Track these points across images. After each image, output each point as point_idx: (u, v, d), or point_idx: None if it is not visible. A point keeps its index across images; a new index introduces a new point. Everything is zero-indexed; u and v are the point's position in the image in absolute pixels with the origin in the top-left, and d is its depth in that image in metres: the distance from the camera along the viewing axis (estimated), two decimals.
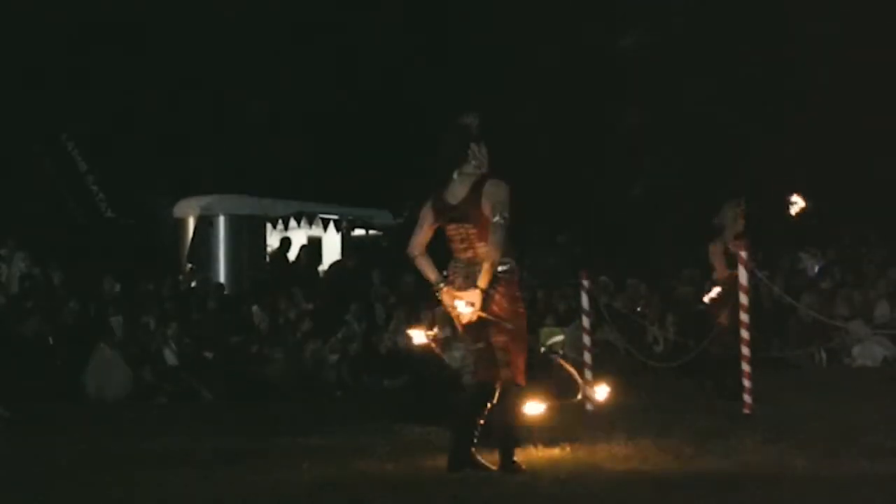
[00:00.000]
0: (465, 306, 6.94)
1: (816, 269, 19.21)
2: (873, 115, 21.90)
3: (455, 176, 7.17)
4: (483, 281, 6.93)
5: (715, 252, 11.71)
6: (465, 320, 7.05)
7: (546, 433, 8.49)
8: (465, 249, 7.14)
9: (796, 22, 24.06)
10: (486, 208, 7.01)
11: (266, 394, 13.64)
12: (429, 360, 10.46)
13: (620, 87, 25.33)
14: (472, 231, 7.09)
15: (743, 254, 10.50)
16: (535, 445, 8.05)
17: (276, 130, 24.68)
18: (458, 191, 7.14)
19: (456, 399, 8.14)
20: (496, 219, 6.96)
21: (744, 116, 24.48)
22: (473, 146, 7.15)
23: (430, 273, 7.21)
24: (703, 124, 24.30)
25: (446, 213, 7.16)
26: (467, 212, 7.08)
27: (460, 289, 7.04)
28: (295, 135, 24.71)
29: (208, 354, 14.54)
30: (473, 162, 7.14)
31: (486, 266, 6.95)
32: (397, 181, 22.62)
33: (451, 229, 7.18)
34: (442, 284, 7.11)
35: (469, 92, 22.25)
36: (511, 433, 7.25)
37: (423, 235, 7.27)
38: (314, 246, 20.91)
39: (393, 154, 23.75)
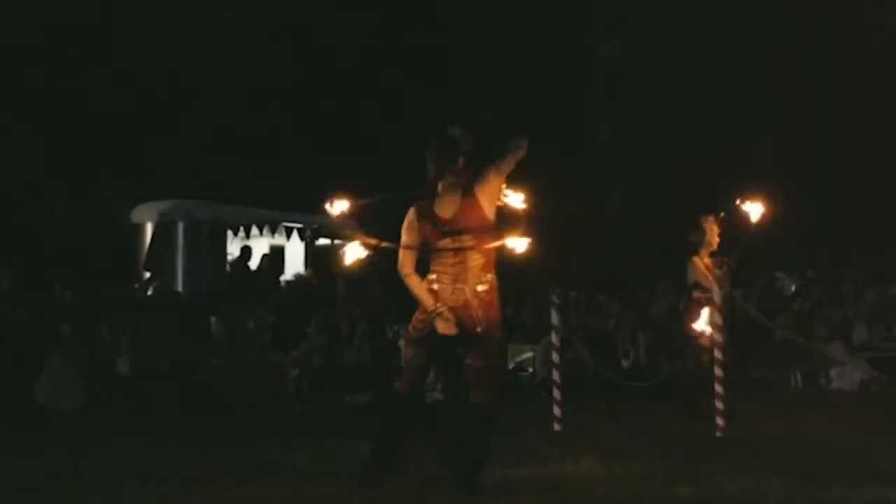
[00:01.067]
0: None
1: (793, 288, 19.33)
2: (861, 128, 22.08)
3: (439, 189, 7.18)
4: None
5: (697, 269, 11.71)
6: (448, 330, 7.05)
7: (511, 454, 8.47)
8: (456, 264, 7.12)
9: (777, 31, 24.23)
10: (489, 185, 7.10)
11: (223, 408, 13.55)
12: (395, 374, 10.41)
13: (597, 95, 25.40)
14: (469, 243, 7.08)
15: (718, 271, 10.52)
16: (500, 467, 8.03)
17: (240, 135, 24.60)
18: (448, 203, 7.13)
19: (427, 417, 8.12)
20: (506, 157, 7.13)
21: (722, 127, 24.61)
22: (461, 159, 7.16)
23: (426, 297, 7.14)
24: (680, 135, 24.40)
25: (439, 228, 7.13)
26: (465, 223, 7.07)
27: (449, 301, 7.03)
28: (259, 139, 24.65)
29: (163, 365, 14.44)
30: (458, 176, 7.15)
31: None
32: (366, 189, 22.52)
33: (444, 244, 7.14)
34: (442, 309, 7.06)
35: (440, 99, 22.27)
36: (482, 453, 7.23)
37: (413, 254, 7.23)
38: (277, 255, 20.83)
39: (361, 161, 23.71)
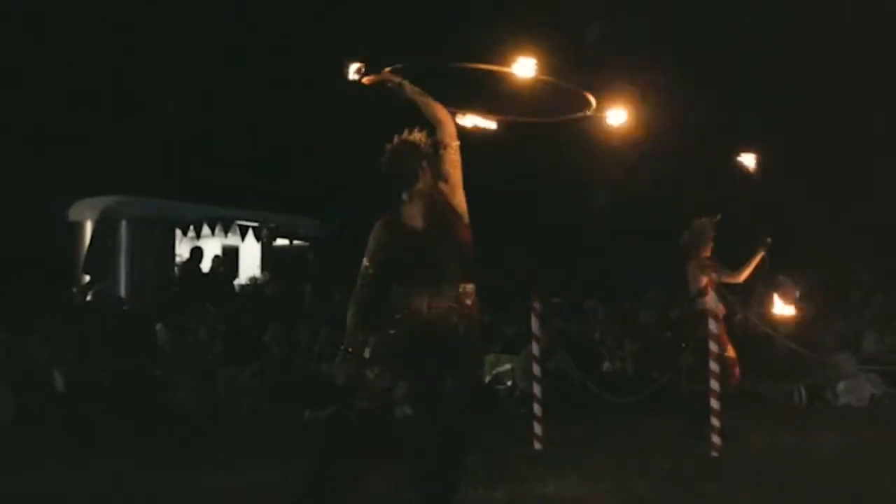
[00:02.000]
0: None
1: (797, 294, 19.35)
2: (866, 120, 22.20)
3: (405, 197, 7.18)
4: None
5: (700, 274, 11.75)
6: None
7: (488, 473, 8.47)
8: (431, 274, 7.13)
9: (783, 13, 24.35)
10: (446, 177, 7.16)
11: (170, 425, 13.51)
12: (358, 388, 10.37)
13: (578, 79, 25.40)
14: (444, 251, 7.09)
15: (713, 275, 10.56)
16: (477, 488, 8.04)
17: (189, 124, 24.55)
18: (415, 214, 7.14)
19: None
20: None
21: (718, 116, 24.69)
22: (424, 164, 7.16)
23: (352, 327, 7.21)
24: (671, 124, 24.44)
25: (411, 241, 7.13)
26: (438, 232, 7.09)
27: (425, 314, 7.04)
28: (210, 130, 24.60)
29: (104, 379, 14.38)
30: (422, 182, 7.15)
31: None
32: (327, 185, 22.55)
33: (417, 255, 7.15)
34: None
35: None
36: (456, 474, 7.23)
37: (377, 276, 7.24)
38: (230, 256, 20.80)
39: (322, 154, 23.70)
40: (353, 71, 7.49)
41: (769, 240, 11.86)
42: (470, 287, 7.16)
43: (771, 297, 11.57)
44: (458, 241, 7.12)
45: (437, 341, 7.06)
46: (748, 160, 10.30)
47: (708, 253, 11.79)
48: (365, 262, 7.17)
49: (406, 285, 7.17)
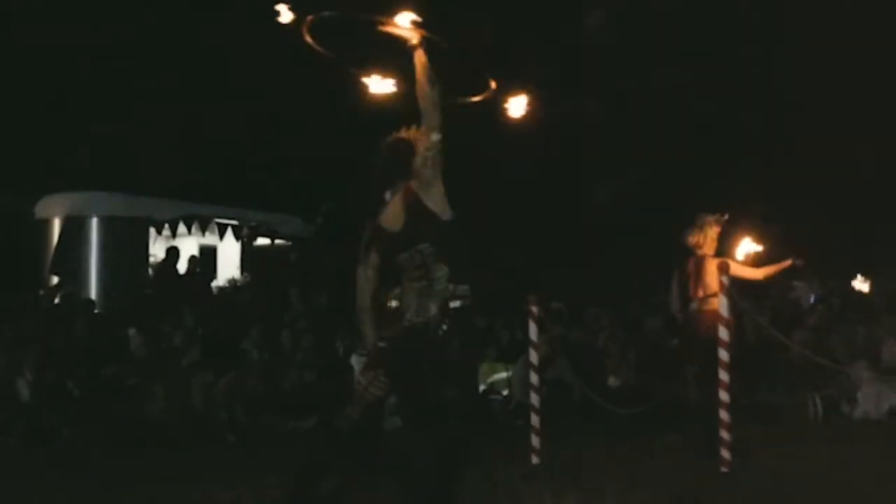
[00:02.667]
0: None
1: (812, 299, 19.37)
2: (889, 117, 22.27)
3: (388, 197, 7.16)
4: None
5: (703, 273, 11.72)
6: None
7: (482, 490, 8.45)
8: (421, 277, 7.10)
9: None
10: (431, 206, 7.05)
11: (143, 437, 13.48)
12: (343, 398, 10.34)
13: (580, 72, 25.46)
14: (429, 251, 7.06)
15: (724, 279, 10.53)
16: None
17: (165, 115, 24.52)
18: (395, 213, 7.11)
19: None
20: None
21: (723, 110, 24.74)
22: (406, 161, 7.13)
23: (368, 331, 7.17)
24: (675, 118, 24.49)
25: (392, 245, 7.11)
26: (416, 232, 7.05)
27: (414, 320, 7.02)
28: (187, 122, 24.58)
29: (73, 387, 14.35)
30: (405, 181, 7.13)
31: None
32: (310, 182, 22.54)
33: (404, 259, 7.13)
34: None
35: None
36: (448, 490, 7.20)
37: (374, 281, 7.22)
38: (208, 257, 20.77)
39: (306, 149, 23.69)
40: (285, 11, 7.38)
41: (802, 262, 11.88)
42: (462, 289, 7.13)
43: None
44: (438, 242, 7.08)
45: (426, 350, 7.03)
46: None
47: (712, 252, 11.75)
48: (360, 269, 7.17)
49: (392, 291, 7.16)
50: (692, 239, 11.80)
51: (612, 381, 16.21)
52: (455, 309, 7.08)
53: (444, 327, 7.02)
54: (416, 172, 7.10)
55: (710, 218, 11.80)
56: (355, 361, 15.14)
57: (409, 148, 7.18)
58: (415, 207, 7.09)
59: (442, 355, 7.05)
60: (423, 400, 7.17)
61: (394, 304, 7.13)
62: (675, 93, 24.89)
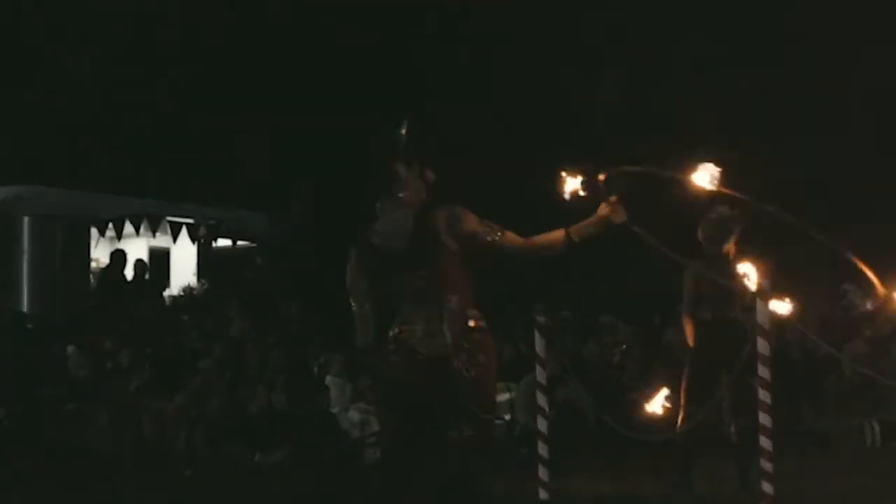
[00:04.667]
0: None
1: (868, 307, 19.31)
2: None
3: (378, 207, 7.11)
4: None
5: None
6: None
7: None
8: (430, 303, 7.05)
9: None
10: (459, 240, 7.08)
11: (85, 470, 13.45)
12: (318, 426, 10.32)
13: (593, 45, 25.56)
14: (438, 277, 7.02)
15: (762, 282, 10.47)
16: None
17: (108, 98, 24.53)
18: (394, 230, 7.06)
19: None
20: (496, 237, 7.15)
21: (753, 86, 24.86)
22: (401, 168, 7.08)
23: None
24: (698, 95, 24.60)
25: (389, 264, 7.06)
26: (421, 255, 7.01)
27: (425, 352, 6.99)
28: (135, 106, 24.60)
29: (1, 415, 14.34)
30: (405, 191, 7.08)
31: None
32: (278, 172, 22.55)
33: (404, 283, 7.08)
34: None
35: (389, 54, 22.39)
36: None
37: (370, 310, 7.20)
38: (159, 261, 20.77)
39: (274, 133, 23.70)
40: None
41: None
42: (475, 312, 7.09)
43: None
44: (454, 253, 7.05)
45: (435, 384, 6.99)
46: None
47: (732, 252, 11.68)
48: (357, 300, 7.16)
49: (394, 318, 7.11)
50: (711, 237, 11.71)
51: (631, 402, 16.17)
52: (472, 330, 7.05)
53: (456, 362, 6.99)
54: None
55: (725, 211, 11.69)
56: (331, 382, 15.12)
57: (393, 148, 7.13)
58: (426, 233, 7.04)
59: (452, 391, 7.01)
60: (425, 437, 7.13)
61: (396, 332, 7.09)
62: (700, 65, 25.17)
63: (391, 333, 7.10)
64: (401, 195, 7.10)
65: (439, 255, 7.02)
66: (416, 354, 7.00)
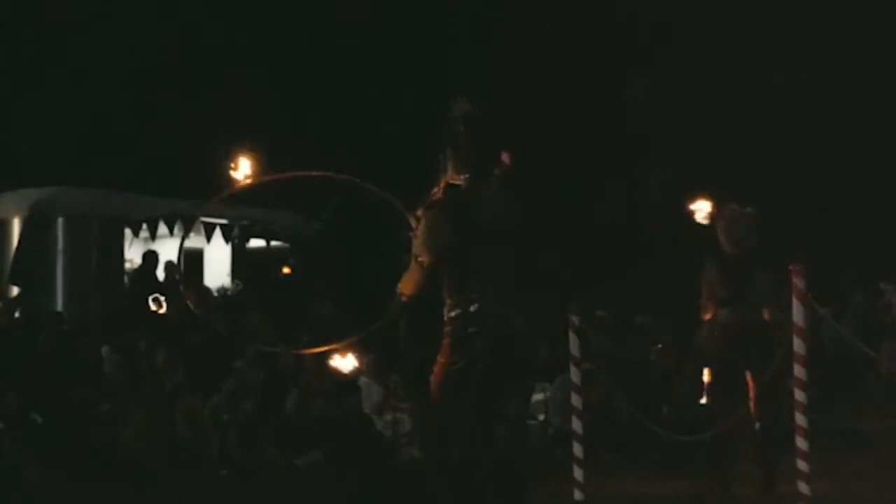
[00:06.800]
0: None
1: None
2: None
3: (469, 181, 7.11)
4: None
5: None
6: None
7: None
8: (508, 284, 7.07)
9: None
10: None
11: (119, 472, 13.47)
12: (352, 427, 10.33)
13: (628, 45, 25.54)
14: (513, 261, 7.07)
15: (798, 282, 10.45)
16: None
17: (142, 99, 24.60)
18: (497, 208, 7.08)
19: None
20: None
21: (790, 82, 24.85)
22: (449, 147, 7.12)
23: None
24: (733, 97, 24.59)
25: (480, 235, 7.05)
26: (510, 236, 7.05)
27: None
28: (166, 105, 24.64)
29: (36, 414, 14.34)
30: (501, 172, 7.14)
31: None
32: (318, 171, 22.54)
33: (489, 258, 7.06)
34: None
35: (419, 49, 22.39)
36: None
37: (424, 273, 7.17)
38: (193, 262, 20.77)
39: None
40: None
41: None
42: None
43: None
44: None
45: (514, 365, 7.00)
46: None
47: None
48: (417, 253, 7.09)
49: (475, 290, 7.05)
50: (733, 236, 11.68)
51: (668, 402, 16.15)
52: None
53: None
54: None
55: (738, 208, 11.66)
56: (364, 383, 15.12)
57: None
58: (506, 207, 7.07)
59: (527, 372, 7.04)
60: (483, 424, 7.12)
61: (453, 314, 7.05)
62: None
63: (467, 309, 7.07)
64: (498, 174, 7.14)
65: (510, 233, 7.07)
66: (493, 335, 6.99)
